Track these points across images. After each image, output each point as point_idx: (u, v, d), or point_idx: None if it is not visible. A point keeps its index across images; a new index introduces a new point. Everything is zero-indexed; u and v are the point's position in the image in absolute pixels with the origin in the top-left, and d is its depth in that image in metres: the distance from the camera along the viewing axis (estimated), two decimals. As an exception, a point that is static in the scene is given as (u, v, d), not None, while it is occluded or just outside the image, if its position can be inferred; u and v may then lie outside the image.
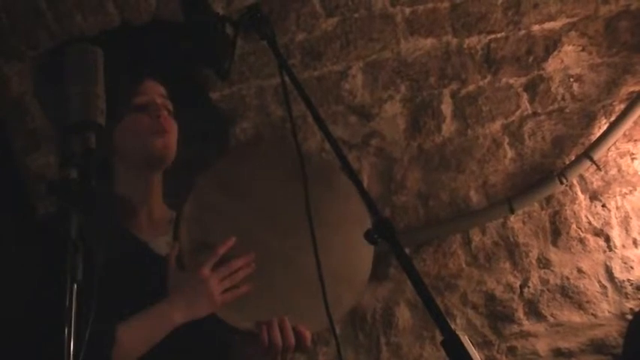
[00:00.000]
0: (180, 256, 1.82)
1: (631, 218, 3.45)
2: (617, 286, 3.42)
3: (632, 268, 3.42)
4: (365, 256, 1.97)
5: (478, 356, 1.25)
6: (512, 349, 3.41)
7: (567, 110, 3.53)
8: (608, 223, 3.46)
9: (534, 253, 3.46)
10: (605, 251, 3.45)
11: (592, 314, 3.41)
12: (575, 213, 3.47)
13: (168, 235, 1.95)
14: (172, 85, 2.02)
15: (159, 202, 2.01)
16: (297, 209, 1.70)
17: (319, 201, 1.65)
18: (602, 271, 3.44)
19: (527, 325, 3.42)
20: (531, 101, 3.53)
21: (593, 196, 3.48)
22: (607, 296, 3.42)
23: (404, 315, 3.41)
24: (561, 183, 3.43)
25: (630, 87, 3.50)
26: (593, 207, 3.47)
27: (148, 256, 1.89)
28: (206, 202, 1.86)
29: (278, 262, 1.82)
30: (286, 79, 1.70)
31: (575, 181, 3.47)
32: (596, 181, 3.48)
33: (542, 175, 3.48)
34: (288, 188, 1.73)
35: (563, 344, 3.41)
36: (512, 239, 3.46)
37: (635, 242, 3.44)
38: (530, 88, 3.53)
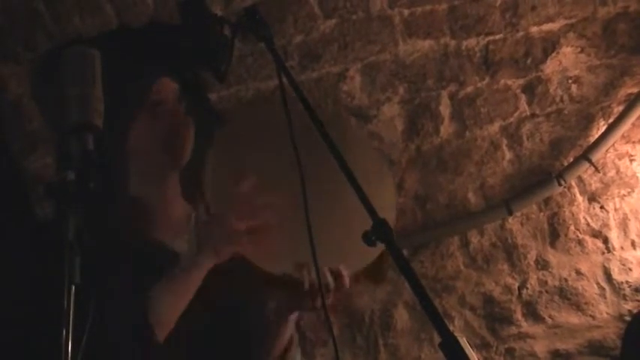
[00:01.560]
0: (206, 206, 1.81)
1: (629, 220, 3.46)
2: (616, 287, 3.42)
3: (630, 269, 3.42)
4: (389, 201, 1.96)
5: (476, 358, 1.25)
6: (510, 351, 3.41)
7: (565, 112, 3.53)
8: (606, 225, 3.46)
9: (532, 255, 3.46)
10: (603, 253, 3.45)
11: (590, 316, 3.42)
12: (573, 215, 3.47)
13: (188, 233, 1.93)
14: (185, 82, 2.01)
15: (177, 201, 1.97)
16: (322, 156, 1.66)
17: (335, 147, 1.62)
18: (600, 273, 3.44)
19: (526, 326, 3.42)
20: (529, 103, 3.53)
21: (592, 198, 3.48)
22: (605, 298, 3.42)
23: (402, 317, 3.41)
24: (559, 185, 3.44)
25: (628, 89, 3.51)
26: (591, 209, 3.48)
27: (167, 256, 1.86)
28: (227, 153, 1.84)
29: (309, 207, 1.77)
30: (284, 80, 1.69)
31: (573, 183, 3.48)
32: (594, 182, 3.48)
33: (540, 176, 3.48)
34: (309, 137, 1.69)
35: (562, 346, 3.41)
36: (510, 241, 3.47)
37: (633, 244, 3.44)
38: (529, 89, 3.53)
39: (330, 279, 1.80)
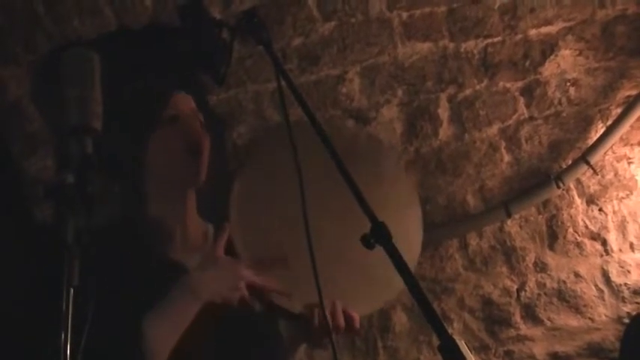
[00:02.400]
0: (229, 241, 1.80)
1: (628, 222, 3.46)
2: (614, 290, 3.42)
3: (628, 272, 3.42)
4: (414, 236, 1.97)
5: (474, 361, 1.25)
6: (509, 353, 3.41)
7: (564, 114, 3.53)
8: (605, 227, 3.47)
9: (531, 257, 3.46)
10: (602, 255, 3.46)
11: (589, 318, 3.42)
12: (572, 217, 3.48)
13: (203, 252, 1.90)
14: (202, 96, 1.98)
15: (194, 219, 1.94)
16: (344, 192, 1.67)
17: (364, 182, 1.61)
18: (599, 275, 3.44)
19: (524, 329, 3.42)
20: (528, 105, 3.53)
21: (590, 200, 3.48)
22: (604, 300, 3.42)
23: (401, 319, 3.41)
24: (558, 187, 3.44)
25: (627, 91, 3.51)
26: (590, 211, 3.48)
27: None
28: (253, 186, 1.84)
29: (327, 245, 1.78)
30: (283, 83, 1.69)
31: (572, 185, 3.48)
32: (592, 185, 3.48)
33: (539, 179, 3.48)
34: (333, 171, 1.69)
35: (560, 348, 3.41)
36: (509, 243, 3.47)
37: (631, 246, 3.44)
38: (527, 92, 3.54)
39: (341, 320, 1.83)
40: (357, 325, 1.87)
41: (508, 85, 3.54)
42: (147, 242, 1.82)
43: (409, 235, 1.93)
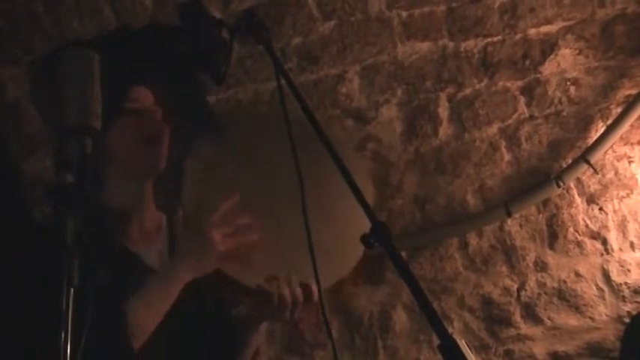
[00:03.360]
0: (185, 216, 1.81)
1: (628, 221, 3.45)
2: (615, 289, 3.42)
3: (629, 271, 3.42)
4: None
5: (475, 360, 1.25)
6: (509, 353, 3.41)
7: (564, 113, 3.53)
8: (605, 227, 3.46)
9: (531, 257, 3.46)
10: (602, 254, 3.45)
11: (589, 317, 3.42)
12: (572, 216, 3.47)
13: (158, 244, 1.93)
14: (162, 90, 2.00)
15: (151, 210, 1.97)
16: (309, 174, 1.68)
17: (319, 161, 1.62)
18: (599, 275, 3.44)
19: (525, 328, 3.42)
20: (528, 105, 3.53)
21: (590, 200, 3.48)
22: (604, 299, 3.42)
23: (401, 318, 3.41)
24: (558, 186, 3.44)
25: (627, 90, 3.51)
26: (590, 210, 3.48)
27: (140, 268, 1.85)
28: (207, 164, 1.85)
29: (282, 220, 1.81)
30: (283, 83, 1.69)
31: (572, 185, 3.48)
32: (593, 184, 3.48)
33: (539, 178, 3.48)
34: (289, 149, 1.70)
35: (561, 348, 3.41)
36: (509, 243, 3.47)
37: (632, 245, 3.44)
38: (527, 91, 3.53)
39: (299, 292, 1.83)
40: (315, 296, 1.86)
41: (508, 84, 3.53)
42: (102, 228, 1.83)
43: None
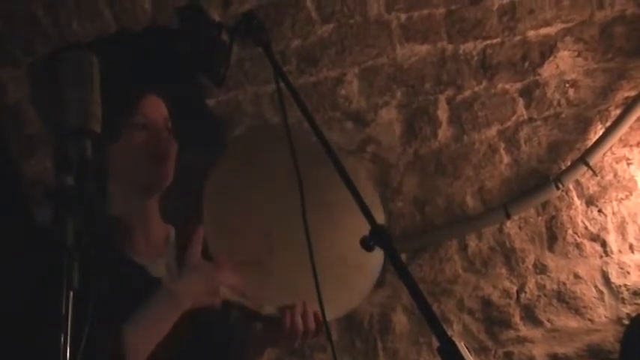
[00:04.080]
0: (204, 239, 1.79)
1: (627, 223, 3.46)
2: (614, 291, 3.42)
3: (628, 273, 3.42)
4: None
5: (474, 362, 1.25)
6: (508, 355, 3.41)
7: (563, 115, 3.53)
8: (604, 229, 3.46)
9: (531, 259, 3.46)
10: (601, 256, 3.45)
11: (589, 319, 3.42)
12: (571, 218, 3.48)
13: (166, 256, 1.92)
14: (174, 97, 1.98)
15: (156, 222, 1.95)
16: (316, 193, 1.66)
17: (328, 183, 1.61)
18: (598, 277, 3.44)
19: (524, 330, 3.42)
20: (527, 107, 3.53)
21: (590, 202, 3.48)
22: (603, 301, 3.42)
23: (400, 321, 3.41)
24: (557, 188, 3.44)
25: (626, 92, 3.51)
26: (589, 212, 3.48)
27: (145, 280, 1.83)
28: (225, 184, 1.83)
29: (297, 245, 1.77)
30: (282, 85, 1.70)
31: (571, 187, 3.48)
32: (592, 186, 3.48)
33: (538, 180, 3.49)
34: (306, 172, 1.69)
35: (560, 349, 3.41)
36: (508, 245, 3.47)
37: (631, 247, 3.44)
38: (526, 93, 3.54)
39: (312, 322, 1.84)
40: (322, 330, 1.85)
41: (507, 86, 3.53)
42: (106, 239, 1.81)
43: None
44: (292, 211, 1.75)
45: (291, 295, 1.79)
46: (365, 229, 1.70)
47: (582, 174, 3.46)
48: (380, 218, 1.97)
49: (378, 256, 1.93)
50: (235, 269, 1.79)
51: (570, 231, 3.47)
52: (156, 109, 1.92)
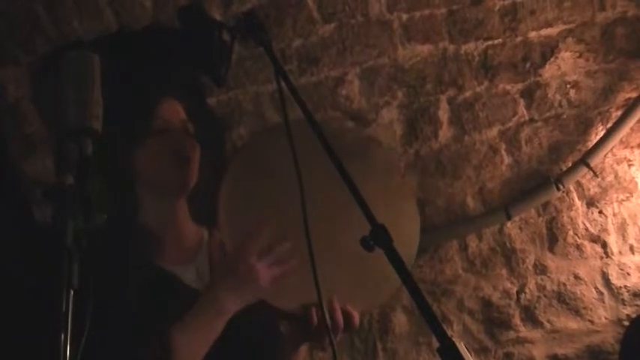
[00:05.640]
0: (221, 243, 1.79)
1: (628, 225, 3.46)
2: (614, 292, 3.42)
3: (628, 274, 3.42)
4: (412, 228, 1.94)
5: (474, 363, 1.25)
6: (508, 356, 3.41)
7: (564, 116, 3.53)
8: (604, 230, 3.46)
9: (531, 260, 3.46)
10: (601, 258, 3.45)
11: (589, 320, 3.42)
12: (571, 219, 3.47)
13: (198, 261, 1.91)
14: (190, 98, 1.98)
15: (187, 226, 1.95)
16: (334, 187, 1.65)
17: (355, 176, 1.60)
18: (598, 278, 3.44)
19: (524, 331, 3.42)
20: (528, 107, 3.53)
21: (590, 203, 3.48)
22: (604, 302, 3.42)
23: (400, 320, 3.41)
24: (558, 189, 3.44)
25: (627, 93, 3.51)
26: (589, 213, 3.48)
27: (179, 288, 1.83)
28: (241, 185, 1.83)
29: (319, 241, 1.73)
30: (283, 85, 1.69)
31: (572, 188, 3.48)
32: (592, 187, 3.48)
33: (538, 181, 3.48)
34: (322, 166, 1.68)
35: (560, 350, 3.41)
36: (508, 245, 3.47)
37: (631, 249, 3.44)
38: (527, 94, 3.53)
39: (340, 318, 1.81)
40: (357, 322, 1.84)
41: (508, 87, 3.53)
42: (137, 250, 1.81)
43: (404, 231, 1.90)
44: (314, 210, 1.74)
45: (312, 292, 1.78)
46: (402, 218, 1.68)
47: (583, 175, 3.46)
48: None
49: (412, 242, 1.93)
50: (265, 252, 1.77)
51: (571, 232, 3.47)
52: (174, 112, 1.93)
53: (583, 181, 3.48)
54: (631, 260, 3.43)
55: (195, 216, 1.97)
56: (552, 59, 3.53)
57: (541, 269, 3.45)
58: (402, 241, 1.62)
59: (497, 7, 3.51)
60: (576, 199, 3.48)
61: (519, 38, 3.53)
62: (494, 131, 3.52)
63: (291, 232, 1.75)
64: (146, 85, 1.91)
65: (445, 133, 3.51)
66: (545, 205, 3.48)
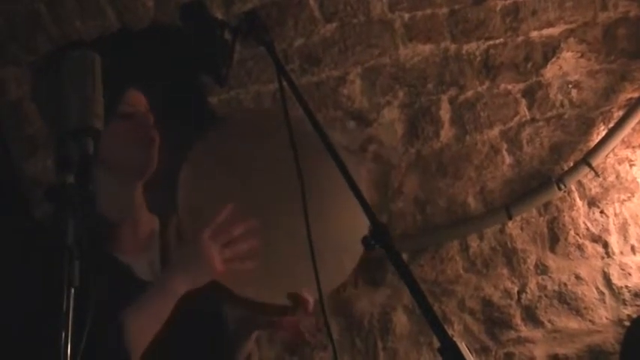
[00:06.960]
0: (178, 225, 1.79)
1: (629, 225, 3.45)
2: (615, 292, 3.42)
3: (629, 274, 3.42)
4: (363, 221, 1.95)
5: (475, 363, 1.25)
6: (509, 355, 3.41)
7: (566, 116, 3.53)
8: (606, 230, 3.46)
9: (532, 259, 3.46)
10: (603, 258, 3.45)
11: (589, 320, 3.41)
12: (573, 219, 3.47)
13: (151, 252, 1.92)
14: (157, 96, 1.98)
15: (144, 213, 1.95)
16: (294, 178, 1.66)
17: (315, 168, 1.61)
18: (599, 278, 3.44)
19: (525, 331, 3.42)
20: (530, 107, 3.53)
21: (592, 203, 3.48)
22: (605, 303, 3.42)
23: (401, 320, 3.41)
24: (559, 189, 3.44)
25: (628, 93, 3.51)
26: (591, 213, 3.48)
27: (132, 282, 1.83)
28: (202, 171, 1.83)
29: (278, 229, 1.78)
30: (284, 84, 1.69)
31: (573, 188, 3.48)
32: (594, 187, 3.48)
33: (540, 181, 3.48)
34: (285, 157, 1.69)
35: (561, 350, 3.41)
36: (509, 245, 3.46)
37: (633, 249, 3.44)
38: (529, 94, 3.53)
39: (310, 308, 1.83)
40: (311, 308, 1.84)
41: (509, 87, 3.53)
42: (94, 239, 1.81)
43: (360, 218, 1.90)
44: (277, 199, 1.75)
45: (273, 277, 1.79)
46: (356, 211, 1.69)
47: (584, 175, 3.46)
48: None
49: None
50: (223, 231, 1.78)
51: (572, 232, 3.46)
52: (139, 100, 1.93)
53: (584, 181, 3.48)
54: (632, 260, 3.43)
55: (149, 205, 1.97)
56: (554, 59, 3.53)
57: (542, 269, 3.45)
58: (355, 234, 1.62)
59: (499, 7, 3.51)
60: (578, 199, 3.48)
61: (521, 38, 3.53)
62: (495, 131, 3.52)
63: (249, 218, 1.76)
64: (116, 72, 1.91)
65: (446, 132, 3.51)
66: (547, 205, 3.48)
